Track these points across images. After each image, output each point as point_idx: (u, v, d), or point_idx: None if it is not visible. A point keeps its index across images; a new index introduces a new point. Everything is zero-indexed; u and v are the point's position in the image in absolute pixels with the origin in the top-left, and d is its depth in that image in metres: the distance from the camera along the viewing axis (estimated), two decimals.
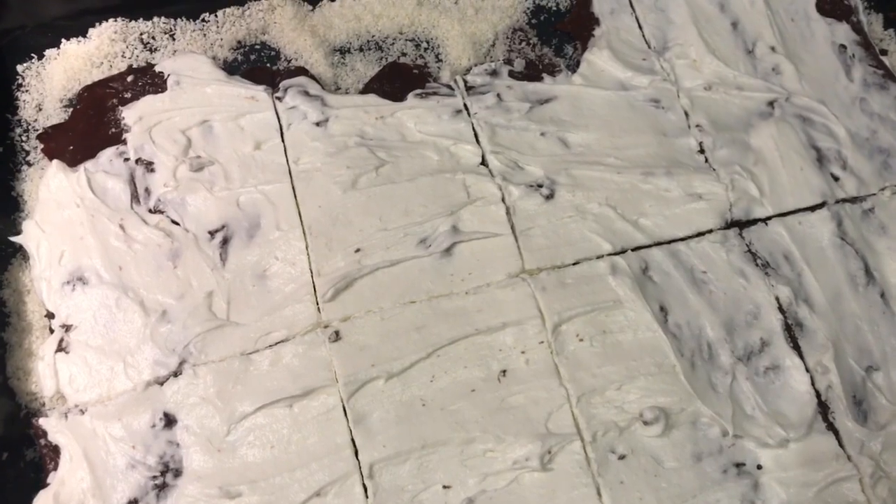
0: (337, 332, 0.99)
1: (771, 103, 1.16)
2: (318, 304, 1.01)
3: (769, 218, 1.10)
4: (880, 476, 0.95)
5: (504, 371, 0.99)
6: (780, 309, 1.04)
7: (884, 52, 1.23)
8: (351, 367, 0.98)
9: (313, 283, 1.02)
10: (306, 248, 1.03)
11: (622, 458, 0.95)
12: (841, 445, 0.98)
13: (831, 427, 0.99)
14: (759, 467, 0.96)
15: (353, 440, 0.95)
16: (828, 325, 1.03)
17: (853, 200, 1.12)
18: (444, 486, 0.94)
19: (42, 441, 0.97)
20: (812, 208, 1.10)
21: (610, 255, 1.05)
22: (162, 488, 0.93)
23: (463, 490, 0.93)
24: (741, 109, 1.17)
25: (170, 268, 1.02)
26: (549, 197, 1.08)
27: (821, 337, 1.02)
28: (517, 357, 1.00)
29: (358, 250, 1.03)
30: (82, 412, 0.97)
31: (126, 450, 0.95)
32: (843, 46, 1.21)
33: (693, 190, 1.10)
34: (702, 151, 1.13)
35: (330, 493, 0.93)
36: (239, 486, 0.93)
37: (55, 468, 0.95)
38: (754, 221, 1.10)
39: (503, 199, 1.07)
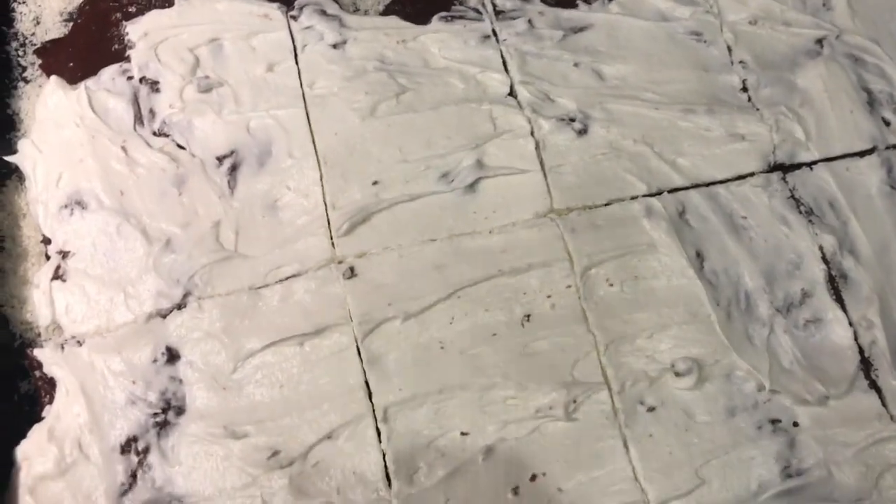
0: (352, 269, 0.93)
1: (820, 41, 1.09)
2: (332, 238, 0.95)
3: (815, 162, 1.03)
4: None
5: (528, 315, 0.93)
6: (824, 259, 0.98)
7: None
8: (366, 305, 0.92)
9: (327, 215, 0.96)
10: (320, 178, 0.97)
11: (651, 410, 0.90)
12: (884, 405, 0.93)
13: (874, 385, 0.93)
14: (796, 424, 0.91)
15: (366, 382, 0.90)
16: (873, 278, 0.97)
17: None
18: (462, 433, 0.89)
19: (37, 373, 0.92)
20: (861, 154, 1.03)
21: (645, 196, 0.99)
22: (163, 426, 0.89)
23: (482, 437, 0.88)
24: (788, 47, 1.09)
25: (175, 194, 0.96)
26: (582, 132, 1.01)
27: (866, 289, 0.96)
28: (542, 301, 0.94)
29: (376, 182, 0.97)
30: (80, 344, 0.91)
31: (126, 385, 0.90)
32: None
33: (735, 130, 1.03)
34: (745, 90, 1.06)
35: (342, 436, 0.88)
36: (245, 426, 0.88)
37: (50, 401, 0.91)
38: (799, 166, 1.03)
39: (532, 133, 1.01)
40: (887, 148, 1.04)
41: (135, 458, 0.88)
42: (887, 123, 1.06)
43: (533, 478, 0.87)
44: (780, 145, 1.03)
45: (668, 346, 0.93)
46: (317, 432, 0.88)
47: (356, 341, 0.91)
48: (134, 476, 0.88)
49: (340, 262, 0.94)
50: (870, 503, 0.89)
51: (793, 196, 1.01)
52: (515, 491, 0.87)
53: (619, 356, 0.92)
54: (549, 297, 0.94)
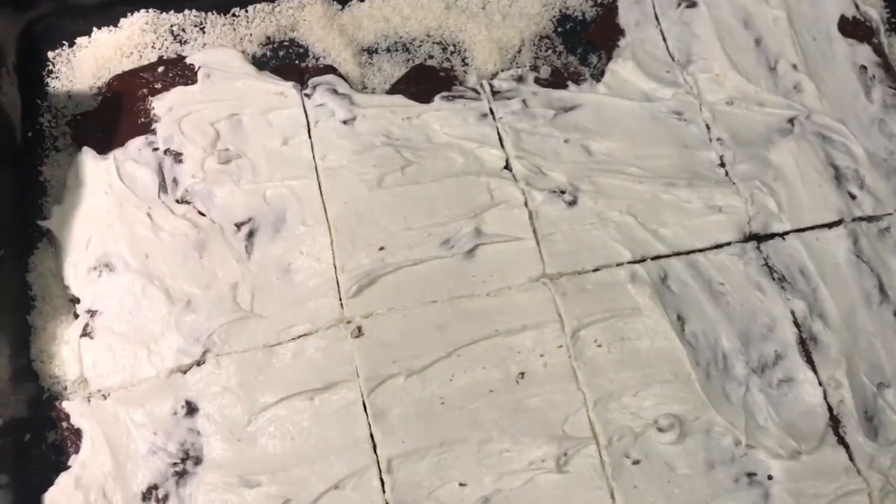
0: (359, 328, 1.00)
1: (791, 120, 1.18)
2: (341, 299, 1.02)
3: (787, 233, 1.11)
4: (889, 491, 0.97)
5: (522, 373, 1.00)
6: (795, 323, 1.05)
7: None
8: (372, 362, 0.99)
9: (337, 278, 1.03)
10: (331, 243, 1.05)
11: (636, 463, 0.97)
12: (851, 459, 0.99)
13: (842, 441, 1.00)
14: (770, 478, 0.98)
15: (371, 435, 0.96)
16: (841, 341, 1.04)
17: (869, 219, 1.13)
18: (461, 484, 0.95)
19: (64, 424, 0.98)
20: (829, 225, 1.12)
21: (630, 262, 1.07)
22: (182, 475, 0.95)
23: (479, 488, 0.95)
24: (762, 125, 1.18)
25: (196, 258, 1.03)
26: (572, 203, 1.09)
27: (834, 352, 1.04)
28: (536, 360, 1.01)
29: (382, 248, 1.05)
30: (105, 397, 0.98)
31: (147, 436, 0.96)
32: (863, 67, 1.23)
33: (713, 202, 1.11)
34: (722, 165, 1.15)
35: (348, 486, 0.94)
36: (258, 476, 0.94)
37: (77, 451, 0.96)
38: (772, 236, 1.11)
39: (526, 204, 1.09)
40: (853, 220, 1.12)
41: None
42: (853, 197, 1.14)
43: None
44: (755, 217, 1.11)
45: (651, 404, 0.99)
46: (325, 482, 0.94)
47: (362, 396, 0.97)
48: None
49: (349, 322, 1.01)
50: None
51: (766, 264, 1.09)
52: None
53: (607, 412, 0.99)
54: (541, 356, 1.01)
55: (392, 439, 0.96)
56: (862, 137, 1.18)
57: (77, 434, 0.97)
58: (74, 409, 0.97)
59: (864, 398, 1.03)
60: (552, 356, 1.01)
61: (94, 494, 0.93)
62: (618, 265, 1.07)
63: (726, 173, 1.14)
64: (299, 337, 1.00)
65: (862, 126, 1.20)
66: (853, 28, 1.26)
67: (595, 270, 1.07)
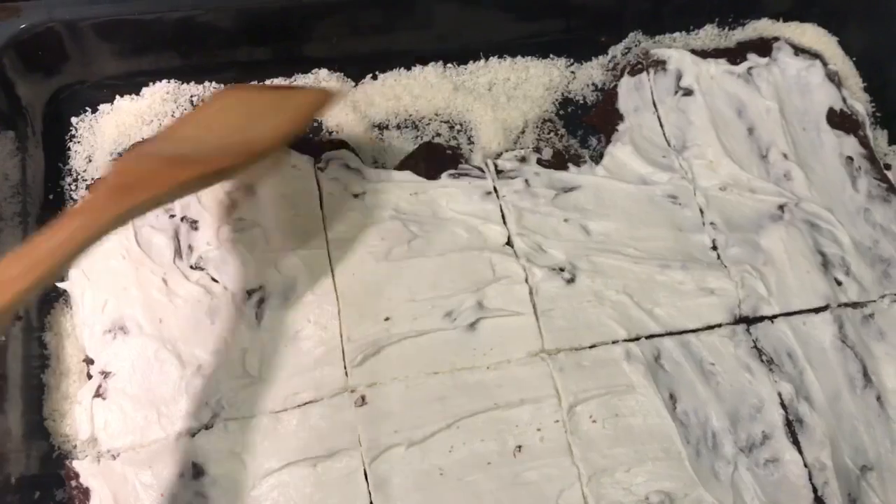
0: (363, 397, 1.04)
1: (781, 207, 1.23)
2: (346, 368, 1.05)
3: (775, 316, 1.16)
4: None
5: (520, 447, 1.03)
6: (782, 404, 1.09)
7: (888, 167, 1.30)
8: (375, 431, 1.02)
9: (342, 347, 1.07)
10: (338, 313, 1.08)
11: None
12: None
13: None
14: None
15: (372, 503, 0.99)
16: (826, 423, 1.08)
17: (854, 305, 1.18)
18: None
19: (73, 483, 1.00)
20: (816, 310, 1.16)
21: (625, 340, 1.11)
22: None
23: None
24: (753, 211, 1.23)
25: (207, 324, 1.07)
26: (571, 281, 1.14)
27: (819, 434, 1.08)
28: (533, 434, 1.04)
29: (387, 319, 1.09)
30: (114, 457, 1.00)
31: (154, 497, 0.98)
32: (850, 158, 1.29)
33: (705, 284, 1.16)
34: (714, 248, 1.20)
35: None
36: None
37: None
38: (761, 319, 1.16)
39: (526, 280, 1.13)
40: (839, 305, 1.17)
41: None
42: (839, 283, 1.19)
43: None
44: (745, 300, 1.16)
45: (643, 480, 1.03)
46: None
47: (364, 465, 1.00)
48: None
49: (353, 391, 1.04)
50: None
51: (755, 346, 1.13)
52: None
53: (600, 487, 1.02)
54: (538, 430, 1.05)
55: None
56: (848, 226, 1.23)
57: (86, 493, 0.99)
58: (84, 468, 0.99)
59: (848, 481, 1.06)
60: (549, 430, 1.04)
61: None
62: (613, 342, 1.11)
63: (718, 256, 1.19)
64: (304, 404, 1.03)
65: (849, 214, 1.25)
66: (841, 120, 1.32)
67: (591, 347, 1.10)
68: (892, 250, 1.23)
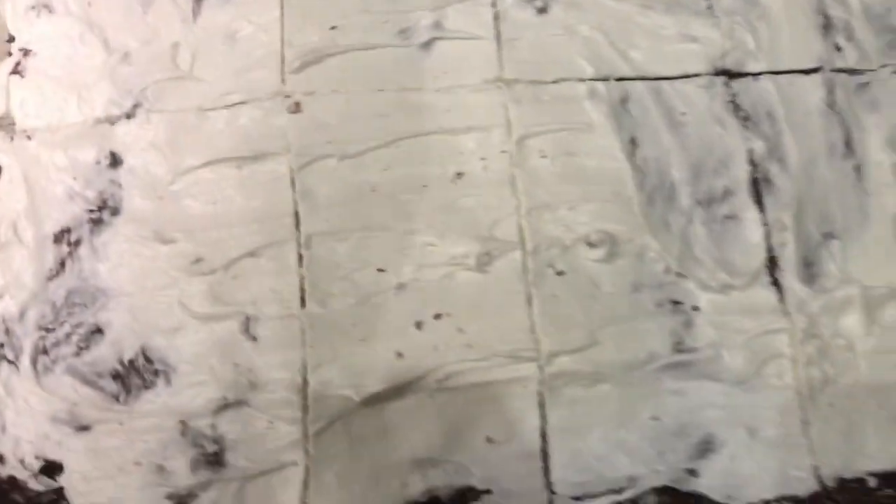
0: (298, 104, 0.97)
1: None
2: (283, 73, 0.98)
3: (761, 73, 1.06)
4: (812, 334, 0.95)
5: (460, 173, 0.97)
6: (752, 162, 1.02)
7: None
8: (307, 140, 0.96)
9: (282, 52, 0.99)
10: (281, 16, 1.00)
11: (560, 273, 0.95)
12: (781, 301, 0.97)
13: (776, 283, 0.98)
14: (696, 308, 0.96)
15: (296, 211, 0.94)
16: (796, 186, 1.01)
17: (851, 72, 1.08)
18: (379, 270, 0.93)
19: None
20: (807, 71, 1.06)
21: (592, 79, 1.02)
22: (97, 223, 0.94)
23: (396, 276, 0.93)
24: None
25: (139, 12, 1.01)
26: (542, 11, 1.05)
27: (786, 196, 1.01)
28: (476, 162, 0.98)
29: (334, 27, 1.01)
30: (29, 138, 0.96)
31: (67, 180, 0.94)
32: None
33: (689, 31, 1.06)
34: None
35: (264, 256, 0.93)
36: (174, 234, 0.93)
37: None
38: (745, 74, 1.06)
39: (494, 4, 1.04)
40: (833, 70, 1.07)
41: (66, 248, 0.93)
42: (839, 49, 1.09)
43: (437, 316, 0.92)
44: (731, 52, 1.06)
45: (586, 220, 0.97)
46: (241, 248, 0.93)
47: (291, 172, 0.95)
48: (62, 264, 0.93)
49: (288, 97, 0.98)
50: (749, 386, 0.94)
51: (733, 101, 1.05)
52: (419, 325, 0.92)
53: (539, 222, 0.96)
54: (483, 159, 0.98)
55: (316, 217, 0.94)
56: None
57: None
58: None
59: (808, 245, 1.00)
60: (494, 161, 0.98)
61: (5, 229, 0.93)
62: (579, 80, 1.02)
63: (710, 7, 1.09)
64: (235, 104, 0.97)
65: None
66: None
67: (554, 82, 1.02)
68: None
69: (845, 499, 0.92)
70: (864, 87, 1.08)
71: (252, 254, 0.93)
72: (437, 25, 1.02)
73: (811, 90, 1.06)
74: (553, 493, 0.90)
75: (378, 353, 0.91)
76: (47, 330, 0.91)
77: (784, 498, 0.92)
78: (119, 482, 0.87)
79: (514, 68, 1.02)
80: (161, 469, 0.87)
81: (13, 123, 0.97)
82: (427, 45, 1.02)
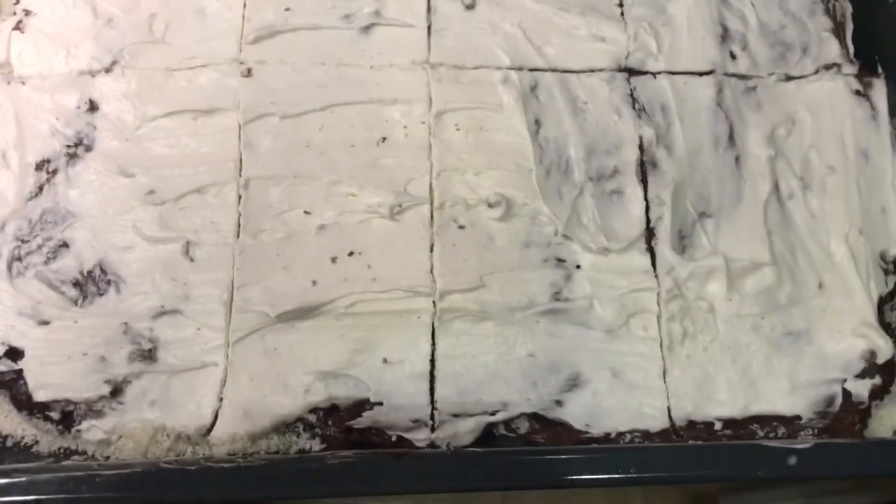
0: (249, 70, 1.14)
1: None
2: (241, 44, 1.15)
3: (659, 73, 1.20)
4: (676, 295, 1.08)
5: (384, 138, 1.13)
6: (641, 147, 1.16)
7: None
8: (254, 100, 1.12)
9: (242, 27, 1.16)
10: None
11: (461, 227, 1.09)
12: (653, 265, 1.10)
13: (650, 250, 1.11)
14: (578, 267, 1.09)
15: (240, 158, 1.10)
16: (678, 170, 1.14)
17: (741, 77, 1.22)
18: (305, 212, 1.08)
19: None
20: (700, 74, 1.21)
21: (508, 68, 1.18)
22: (72, 157, 1.10)
23: (320, 218, 1.08)
24: None
25: None
26: (470, 7, 1.20)
27: (668, 178, 1.14)
28: (399, 130, 1.13)
29: (287, 9, 1.17)
30: (23, 83, 1.13)
31: (51, 119, 1.11)
32: None
33: (599, 33, 1.21)
34: (621, 6, 1.24)
35: (209, 193, 1.09)
36: (134, 169, 1.09)
37: None
38: (645, 73, 1.21)
39: None
40: (725, 74, 1.22)
41: (45, 175, 1.09)
42: (733, 56, 1.23)
43: (350, 254, 1.07)
44: (634, 53, 1.21)
45: (489, 185, 1.11)
46: (189, 185, 1.08)
47: (239, 126, 1.11)
48: (41, 188, 1.09)
49: (242, 63, 1.14)
50: (617, 335, 1.07)
51: (631, 95, 1.19)
52: (333, 260, 1.07)
53: (448, 183, 1.11)
54: (405, 127, 1.14)
55: (255, 164, 1.10)
56: (760, 8, 1.26)
57: None
58: None
59: (683, 221, 1.13)
60: (414, 129, 1.13)
61: None
62: (497, 68, 1.18)
63: (622, 14, 1.24)
64: (196, 67, 1.14)
65: (765, 0, 1.27)
66: None
67: (474, 68, 1.18)
68: (796, 37, 1.26)
69: (690, 434, 1.05)
70: (752, 91, 1.22)
71: (198, 191, 1.09)
72: (377, 13, 1.18)
73: (703, 89, 1.20)
74: (435, 409, 1.03)
75: (296, 280, 1.06)
76: (22, 241, 1.07)
77: (637, 431, 1.05)
78: (68, 368, 1.02)
79: (440, 54, 1.18)
80: (103, 359, 1.02)
81: (11, 71, 1.14)
82: (366, 29, 1.18)
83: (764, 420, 1.06)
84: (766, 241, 1.12)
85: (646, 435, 1.04)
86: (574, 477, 0.93)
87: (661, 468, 0.95)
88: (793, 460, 0.95)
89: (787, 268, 1.12)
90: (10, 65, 1.14)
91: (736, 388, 1.07)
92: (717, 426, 1.06)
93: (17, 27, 1.15)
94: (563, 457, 0.94)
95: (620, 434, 1.04)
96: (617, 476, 0.93)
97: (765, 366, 1.08)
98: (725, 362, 1.08)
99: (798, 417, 1.06)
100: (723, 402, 1.06)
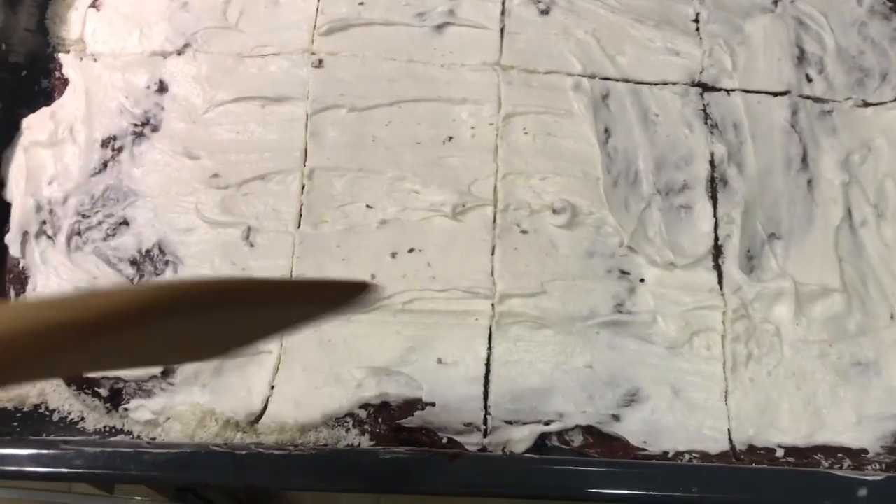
0: (321, 61, 1.13)
1: (776, 1, 1.24)
2: (313, 34, 1.15)
3: (734, 90, 1.18)
4: (742, 315, 1.05)
5: (451, 137, 1.11)
6: (712, 163, 1.13)
7: None
8: (323, 90, 1.12)
9: (316, 18, 1.16)
10: None
11: (524, 232, 1.07)
12: (719, 283, 1.07)
13: (717, 268, 1.08)
14: (642, 280, 1.07)
15: (305, 148, 1.09)
16: (749, 189, 1.12)
17: (816, 100, 1.19)
18: (368, 206, 1.07)
19: (57, 74, 1.14)
20: (775, 94, 1.18)
21: (579, 75, 1.16)
22: (139, 136, 1.10)
23: (382, 213, 1.07)
24: (748, 1, 1.25)
25: None
26: (545, 12, 1.19)
27: (738, 196, 1.11)
28: (466, 129, 1.12)
29: (362, 3, 1.17)
30: (95, 60, 1.13)
31: (120, 98, 1.11)
32: None
33: (674, 46, 1.19)
34: (696, 21, 1.22)
35: (273, 180, 1.08)
36: (200, 152, 1.09)
37: (60, 95, 1.12)
38: (718, 89, 1.18)
39: (503, 1, 1.19)
40: (800, 96, 1.19)
41: (110, 153, 1.09)
42: (809, 79, 1.21)
43: (410, 250, 1.06)
44: (708, 69, 1.19)
45: (554, 190, 1.09)
46: (253, 171, 1.08)
47: (307, 115, 1.10)
48: (105, 165, 1.09)
49: (313, 54, 1.14)
50: (679, 353, 1.04)
51: (704, 110, 1.17)
52: (393, 255, 1.05)
53: (513, 186, 1.09)
54: (472, 127, 1.12)
55: (320, 154, 1.09)
56: (839, 33, 1.23)
57: (65, 83, 1.13)
58: (68, 61, 1.13)
59: (752, 241, 1.11)
60: (481, 130, 1.12)
61: (63, 128, 1.09)
62: (568, 74, 1.16)
63: (697, 29, 1.22)
64: (268, 55, 1.13)
65: (843, 24, 1.25)
66: None
67: (545, 73, 1.16)
68: (875, 64, 1.23)
69: (750, 459, 1.01)
70: (827, 115, 1.19)
71: (262, 177, 1.08)
72: (451, 13, 1.17)
73: (777, 109, 1.18)
74: (489, 414, 1.00)
75: (354, 272, 1.04)
76: (83, 216, 1.07)
77: (695, 452, 1.01)
78: None
79: (512, 56, 1.17)
80: None
81: (84, 48, 1.14)
82: (439, 28, 1.17)
83: (828, 451, 1.02)
84: (837, 267, 1.09)
85: (704, 456, 1.00)
86: (637, 492, 0.89)
87: (725, 489, 0.91)
88: (863, 492, 0.90)
89: (857, 296, 1.08)
90: (83, 42, 1.15)
91: (799, 416, 1.03)
92: (779, 453, 1.02)
93: (94, 5, 1.16)
94: (627, 470, 0.90)
95: (679, 454, 1.01)
96: (679, 494, 0.89)
97: (830, 395, 1.04)
98: (790, 388, 1.04)
99: (864, 451, 1.01)
100: (785, 429, 1.02)
